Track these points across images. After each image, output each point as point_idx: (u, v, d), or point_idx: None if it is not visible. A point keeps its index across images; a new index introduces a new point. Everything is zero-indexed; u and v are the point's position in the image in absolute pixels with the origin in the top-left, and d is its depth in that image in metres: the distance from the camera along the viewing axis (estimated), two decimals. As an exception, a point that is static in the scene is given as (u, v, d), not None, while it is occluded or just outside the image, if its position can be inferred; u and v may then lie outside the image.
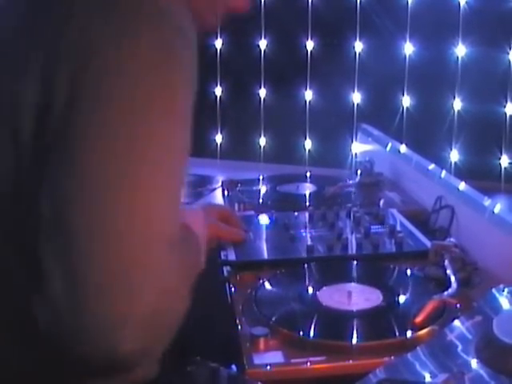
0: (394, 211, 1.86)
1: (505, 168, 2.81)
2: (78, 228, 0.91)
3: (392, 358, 1.13)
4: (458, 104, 2.85)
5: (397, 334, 1.24)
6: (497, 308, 1.21)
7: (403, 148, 2.27)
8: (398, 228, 1.72)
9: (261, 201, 2.08)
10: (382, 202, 1.99)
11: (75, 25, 0.99)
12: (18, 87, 1.01)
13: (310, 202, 2.06)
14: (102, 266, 0.91)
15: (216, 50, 3.16)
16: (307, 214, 1.85)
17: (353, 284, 1.42)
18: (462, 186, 1.78)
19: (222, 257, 1.57)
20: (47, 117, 0.97)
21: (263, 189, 2.21)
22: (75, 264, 0.90)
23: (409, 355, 1.10)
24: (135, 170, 0.95)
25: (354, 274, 1.51)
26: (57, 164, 0.95)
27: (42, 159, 0.97)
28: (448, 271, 1.43)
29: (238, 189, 2.14)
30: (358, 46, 2.99)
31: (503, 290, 1.25)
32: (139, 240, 0.93)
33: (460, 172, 2.81)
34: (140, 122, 0.96)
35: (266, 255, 1.62)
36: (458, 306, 1.31)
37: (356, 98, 3.03)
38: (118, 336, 0.90)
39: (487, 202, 1.63)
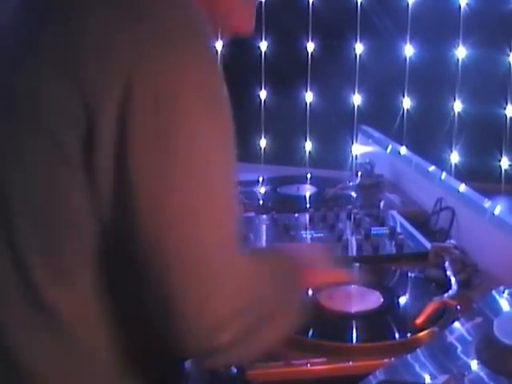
0: (394, 213, 1.86)
1: (505, 170, 2.81)
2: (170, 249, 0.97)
3: (392, 359, 1.14)
4: (458, 106, 2.85)
5: (397, 335, 1.24)
6: (497, 310, 1.21)
7: (403, 150, 2.27)
8: (399, 229, 1.72)
9: (261, 202, 2.08)
10: (382, 204, 1.99)
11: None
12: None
13: (310, 203, 2.06)
14: (196, 283, 0.98)
15: (216, 51, 3.16)
16: (307, 216, 1.85)
17: (353, 285, 1.42)
18: (462, 187, 1.79)
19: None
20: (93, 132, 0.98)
21: (263, 190, 2.21)
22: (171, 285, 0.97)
23: (409, 357, 1.10)
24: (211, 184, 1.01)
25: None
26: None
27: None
28: (448, 273, 1.43)
29: (238, 190, 2.14)
30: (359, 48, 2.99)
31: (503, 292, 1.25)
32: (216, 243, 1.00)
33: (460, 174, 2.81)
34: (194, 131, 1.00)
35: (266, 257, 1.62)
36: (458, 307, 1.31)
37: (356, 99, 3.03)
38: (213, 333, 0.99)
39: (487, 203, 1.64)
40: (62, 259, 1.04)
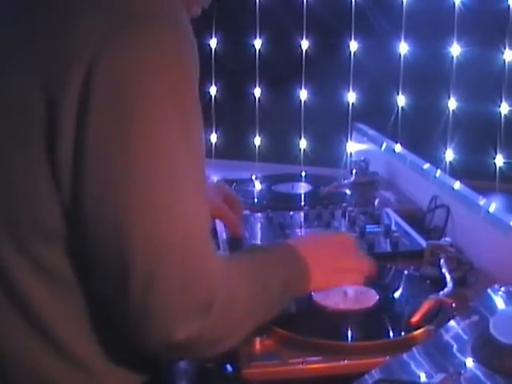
0: (389, 211, 1.86)
1: (499, 167, 2.82)
2: (135, 240, 0.97)
3: (388, 357, 1.13)
4: (452, 103, 2.85)
5: (392, 333, 1.24)
6: (492, 308, 1.21)
7: (398, 147, 2.27)
8: (394, 227, 1.72)
9: (256, 200, 2.08)
10: (377, 202, 1.99)
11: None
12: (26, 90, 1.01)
13: (305, 201, 2.06)
14: (156, 273, 0.97)
15: (211, 49, 3.16)
16: (302, 214, 1.85)
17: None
18: (457, 185, 1.78)
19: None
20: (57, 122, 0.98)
21: (258, 188, 2.21)
22: (132, 275, 0.97)
23: (404, 355, 1.10)
24: (176, 179, 1.00)
25: (350, 273, 1.51)
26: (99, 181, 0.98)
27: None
28: (443, 271, 1.43)
29: (233, 188, 2.13)
30: (353, 46, 2.99)
31: (499, 290, 1.25)
32: (178, 233, 0.99)
33: (455, 171, 2.81)
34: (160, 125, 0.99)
35: (261, 255, 1.62)
36: (454, 305, 1.30)
37: (351, 97, 3.03)
38: (172, 326, 0.98)
39: (482, 201, 1.63)
40: (29, 242, 1.04)
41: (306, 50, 3.07)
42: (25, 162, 1.02)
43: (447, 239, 1.57)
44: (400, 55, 2.91)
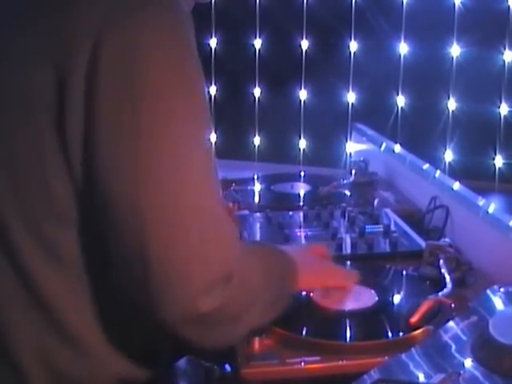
0: (389, 211, 1.86)
1: (499, 168, 2.82)
2: (151, 215, 0.97)
3: (386, 358, 1.13)
4: (452, 104, 2.85)
5: (391, 333, 1.24)
6: (491, 308, 1.20)
7: (397, 148, 2.27)
8: (393, 228, 1.72)
9: (255, 200, 2.08)
10: (376, 202, 1.99)
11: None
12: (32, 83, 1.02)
13: (304, 201, 2.06)
14: (174, 244, 0.98)
15: (211, 48, 3.16)
16: (301, 214, 1.85)
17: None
18: (457, 185, 1.78)
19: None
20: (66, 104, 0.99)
21: (258, 188, 2.21)
22: (151, 247, 0.97)
23: (403, 356, 1.09)
24: (193, 167, 1.02)
25: (349, 273, 1.51)
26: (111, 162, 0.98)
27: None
28: (443, 271, 1.43)
29: (232, 188, 2.13)
30: (353, 46, 2.99)
31: (498, 291, 1.25)
32: (191, 204, 1.00)
33: (454, 172, 2.82)
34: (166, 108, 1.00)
35: (260, 255, 1.61)
36: (453, 305, 1.30)
37: (351, 97, 3.03)
38: (195, 297, 0.98)
39: (481, 201, 1.63)
40: (40, 224, 1.05)
41: (305, 50, 3.08)
42: (35, 141, 1.03)
43: (446, 240, 1.57)
44: (400, 55, 2.91)
